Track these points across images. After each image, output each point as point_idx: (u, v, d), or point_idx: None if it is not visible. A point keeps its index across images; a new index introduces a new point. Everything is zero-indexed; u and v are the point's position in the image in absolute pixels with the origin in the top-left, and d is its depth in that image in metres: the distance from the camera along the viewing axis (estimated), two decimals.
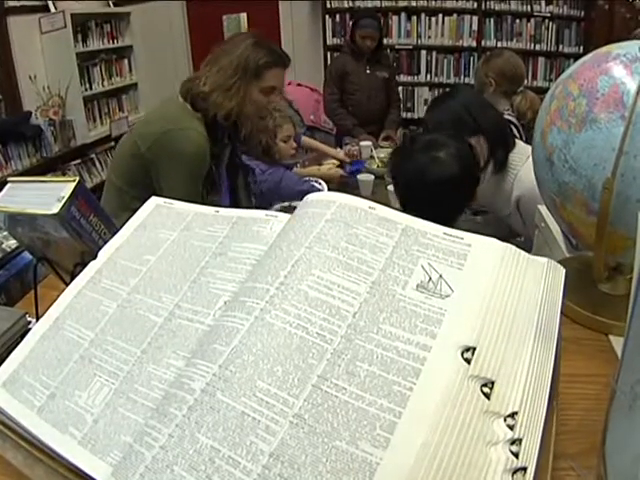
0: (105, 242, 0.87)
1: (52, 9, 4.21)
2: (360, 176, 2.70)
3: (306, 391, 0.44)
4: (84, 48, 4.39)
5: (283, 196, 2.30)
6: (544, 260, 0.55)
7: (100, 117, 4.51)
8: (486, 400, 0.44)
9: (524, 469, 0.41)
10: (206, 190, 1.82)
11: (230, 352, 0.48)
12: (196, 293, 0.61)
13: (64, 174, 4.14)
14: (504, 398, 0.44)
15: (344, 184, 2.73)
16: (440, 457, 0.40)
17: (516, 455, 0.41)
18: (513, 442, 0.42)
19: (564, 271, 0.55)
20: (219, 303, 0.58)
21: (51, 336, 0.64)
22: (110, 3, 4.72)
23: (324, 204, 0.59)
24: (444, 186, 1.32)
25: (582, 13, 4.31)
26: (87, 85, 4.46)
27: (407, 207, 1.41)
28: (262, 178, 2.31)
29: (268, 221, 0.66)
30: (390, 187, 2.49)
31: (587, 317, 0.85)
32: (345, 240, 0.55)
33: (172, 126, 1.70)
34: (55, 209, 0.83)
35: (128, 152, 1.77)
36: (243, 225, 0.67)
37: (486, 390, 0.44)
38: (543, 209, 1.26)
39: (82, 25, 4.37)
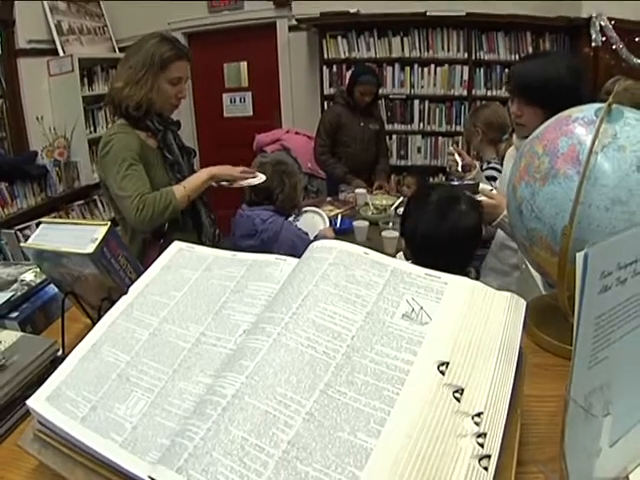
0: (131, 279, 0.94)
1: (61, 53, 4.28)
2: (356, 222, 2.82)
3: (315, 395, 0.55)
4: (90, 92, 4.45)
5: (282, 245, 2.34)
6: (507, 294, 0.66)
7: None
8: (457, 403, 0.54)
9: (488, 456, 0.51)
10: (173, 174, 1.99)
11: (254, 366, 0.57)
12: (219, 323, 0.70)
13: (67, 214, 4.16)
14: (472, 401, 0.54)
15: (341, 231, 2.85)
16: (420, 445, 0.50)
17: (482, 445, 0.51)
18: (479, 435, 0.52)
19: (525, 303, 0.66)
20: (239, 331, 0.67)
21: (90, 358, 0.70)
22: (116, 48, 4.84)
23: (327, 250, 0.70)
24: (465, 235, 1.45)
25: None
26: (92, 128, 4.51)
27: (420, 256, 1.47)
28: (263, 227, 2.36)
29: (278, 264, 0.76)
30: (384, 233, 2.60)
31: (557, 346, 0.92)
32: (344, 279, 0.66)
33: (101, 147, 1.88)
34: (90, 249, 0.90)
35: (104, 189, 1.96)
36: (257, 267, 0.77)
37: (457, 395, 0.55)
38: None
39: (88, 69, 4.44)
